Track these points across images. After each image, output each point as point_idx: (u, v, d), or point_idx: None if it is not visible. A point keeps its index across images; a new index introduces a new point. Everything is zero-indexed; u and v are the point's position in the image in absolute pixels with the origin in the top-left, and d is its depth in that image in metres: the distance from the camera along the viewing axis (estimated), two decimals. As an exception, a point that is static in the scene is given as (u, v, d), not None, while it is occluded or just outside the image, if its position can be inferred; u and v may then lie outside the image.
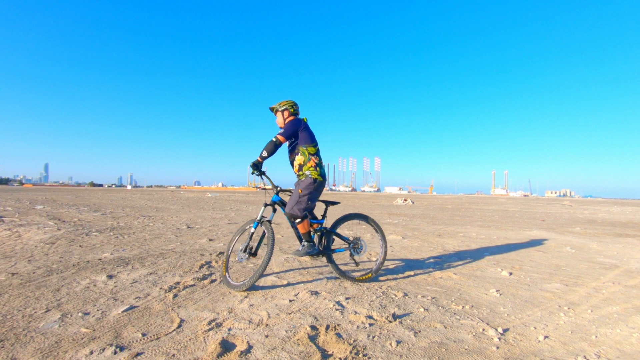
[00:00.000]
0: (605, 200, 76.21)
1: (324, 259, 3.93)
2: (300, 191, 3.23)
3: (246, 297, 2.89)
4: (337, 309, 2.62)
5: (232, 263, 4.06)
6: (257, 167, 3.13)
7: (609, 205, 31.86)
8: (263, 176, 3.29)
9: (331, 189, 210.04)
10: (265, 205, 3.35)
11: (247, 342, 2.07)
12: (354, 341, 2.10)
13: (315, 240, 3.45)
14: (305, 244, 3.27)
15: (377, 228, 3.63)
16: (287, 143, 3.37)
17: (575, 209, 22.55)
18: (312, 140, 3.32)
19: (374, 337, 2.17)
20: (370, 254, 4.84)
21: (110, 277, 3.38)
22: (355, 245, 3.53)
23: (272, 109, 3.52)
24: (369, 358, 1.91)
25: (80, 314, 2.43)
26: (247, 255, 3.23)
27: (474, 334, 2.26)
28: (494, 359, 1.95)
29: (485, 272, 3.98)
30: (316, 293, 3.01)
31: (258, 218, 3.27)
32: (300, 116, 3.50)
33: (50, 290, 2.93)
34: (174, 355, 1.90)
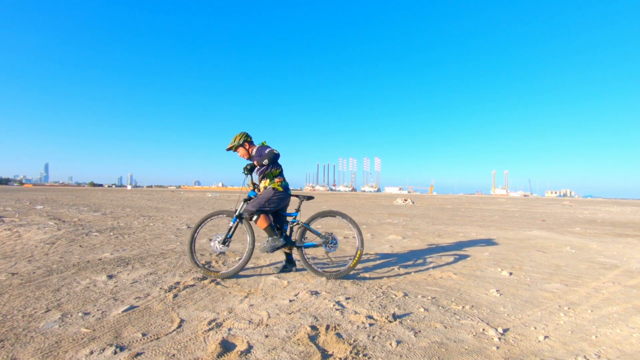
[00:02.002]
0: (605, 200, 76.20)
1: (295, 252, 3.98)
2: (260, 194, 3.61)
3: (246, 297, 2.89)
4: (337, 309, 2.62)
5: (220, 256, 4.06)
6: (251, 170, 3.55)
7: (609, 205, 31.86)
8: (250, 175, 3.65)
9: (331, 189, 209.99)
10: (245, 200, 3.66)
11: (247, 342, 2.07)
12: (354, 341, 2.10)
13: (293, 236, 3.64)
14: (269, 238, 3.49)
15: (353, 224, 3.68)
16: (257, 167, 3.66)
17: (575, 209, 22.55)
18: (277, 165, 3.66)
19: (374, 337, 2.17)
20: (346, 250, 4.84)
21: (110, 277, 3.38)
22: (327, 241, 3.62)
23: (231, 148, 3.82)
24: (369, 358, 1.91)
25: (80, 314, 2.43)
26: (223, 247, 3.55)
27: (474, 334, 2.26)
28: (494, 359, 1.95)
29: (485, 272, 3.98)
30: (316, 293, 3.01)
31: (237, 213, 3.57)
32: (254, 141, 3.86)
33: (50, 290, 2.93)
34: (174, 355, 1.90)
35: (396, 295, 3.01)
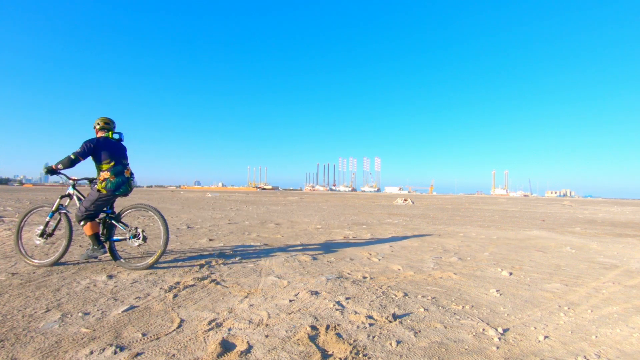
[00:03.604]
0: (605, 200, 76.21)
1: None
2: (87, 196, 3.70)
3: (246, 297, 2.89)
4: (337, 309, 2.62)
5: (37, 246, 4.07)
6: (51, 172, 3.56)
7: (609, 205, 31.87)
8: (58, 175, 3.66)
9: (331, 189, 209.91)
10: (62, 196, 3.85)
11: (247, 342, 2.07)
12: (354, 341, 2.10)
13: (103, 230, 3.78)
14: (91, 247, 3.70)
15: (160, 218, 3.76)
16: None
17: (575, 209, 22.55)
18: (102, 159, 3.65)
19: (374, 337, 2.17)
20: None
21: (110, 277, 3.38)
22: (135, 234, 3.74)
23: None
24: (369, 358, 1.91)
25: (80, 314, 2.43)
26: (44, 239, 3.85)
27: (474, 334, 2.26)
28: (494, 359, 1.95)
29: (485, 272, 3.98)
30: (316, 293, 3.01)
31: (54, 208, 3.84)
32: (115, 129, 3.90)
33: (50, 290, 2.93)
34: (174, 355, 1.90)
35: (396, 295, 3.01)
